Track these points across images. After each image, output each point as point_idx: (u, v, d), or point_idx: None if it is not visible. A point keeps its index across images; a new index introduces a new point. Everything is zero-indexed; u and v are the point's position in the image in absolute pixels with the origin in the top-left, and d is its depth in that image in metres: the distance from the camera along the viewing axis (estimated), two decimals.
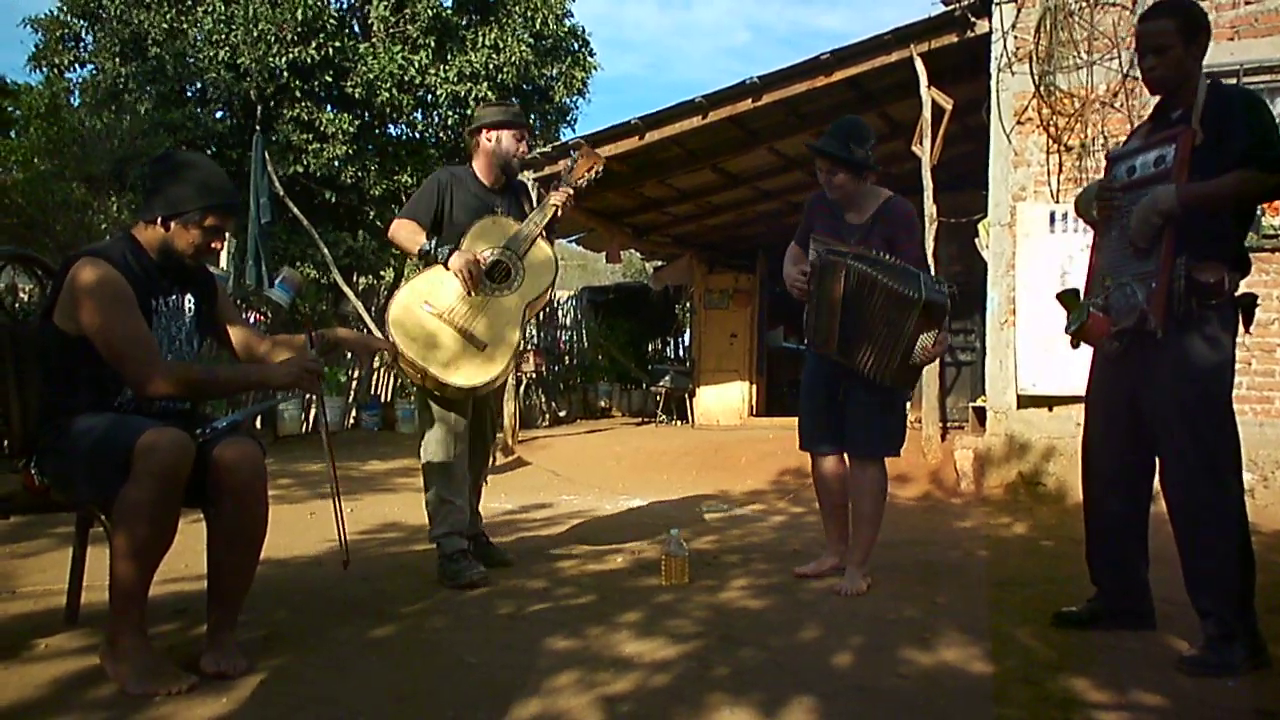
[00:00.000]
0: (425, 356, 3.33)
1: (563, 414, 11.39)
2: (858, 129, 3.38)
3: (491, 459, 3.90)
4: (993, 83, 6.57)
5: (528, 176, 8.23)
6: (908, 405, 3.65)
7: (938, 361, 7.14)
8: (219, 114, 10.88)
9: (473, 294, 3.40)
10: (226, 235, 2.58)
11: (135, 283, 2.40)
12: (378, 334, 10.47)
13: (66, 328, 2.37)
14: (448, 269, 3.41)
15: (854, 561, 3.36)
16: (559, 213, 3.59)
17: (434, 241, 3.48)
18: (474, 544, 3.68)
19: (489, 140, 3.62)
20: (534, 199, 3.84)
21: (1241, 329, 2.60)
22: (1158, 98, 2.75)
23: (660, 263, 14.06)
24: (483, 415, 3.76)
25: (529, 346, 9.48)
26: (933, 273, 3.49)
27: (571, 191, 3.61)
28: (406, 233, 3.52)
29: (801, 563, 3.68)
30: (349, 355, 10.82)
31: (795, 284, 3.41)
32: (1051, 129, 6.37)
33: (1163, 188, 2.55)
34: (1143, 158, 2.71)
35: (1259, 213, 5.48)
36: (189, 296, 2.59)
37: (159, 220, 2.45)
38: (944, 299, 3.13)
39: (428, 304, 3.39)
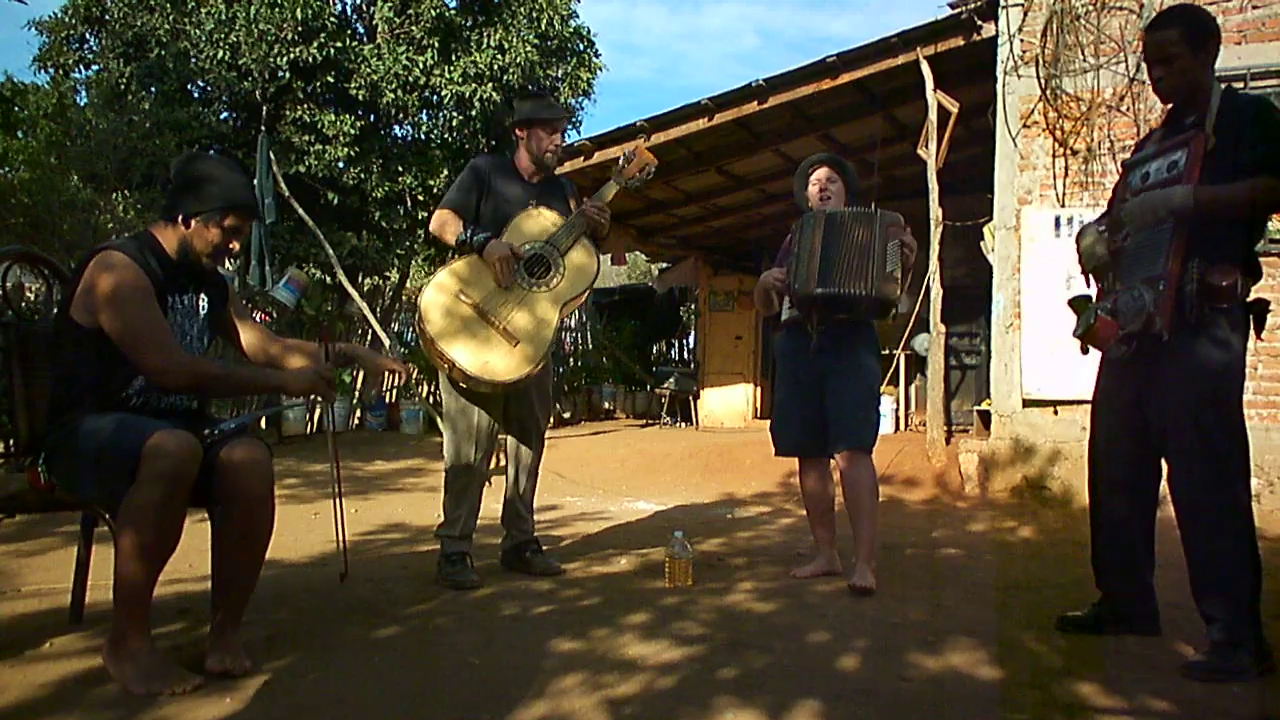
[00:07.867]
0: (454, 347, 3.28)
1: (567, 416, 11.38)
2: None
3: (537, 462, 3.78)
4: (999, 86, 6.56)
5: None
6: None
7: (942, 365, 7.14)
8: (223, 114, 10.91)
9: (509, 286, 3.36)
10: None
11: (153, 279, 2.42)
12: (381, 333, 10.49)
13: (83, 320, 2.38)
14: (482, 258, 3.38)
15: (862, 556, 3.37)
16: (590, 227, 3.54)
17: (470, 230, 3.44)
18: (525, 551, 3.64)
19: (522, 135, 3.62)
20: (575, 193, 3.78)
21: (1253, 335, 2.58)
22: (1169, 103, 2.74)
23: (665, 265, 14.05)
24: (524, 416, 3.66)
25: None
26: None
27: (606, 206, 3.57)
28: (443, 223, 3.50)
29: (805, 565, 3.68)
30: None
31: (774, 280, 3.55)
32: (1057, 133, 6.36)
33: (1179, 186, 2.53)
34: (1156, 164, 2.70)
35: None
36: (203, 296, 2.62)
37: (180, 218, 2.48)
38: (896, 215, 3.49)
39: (462, 293, 3.34)
